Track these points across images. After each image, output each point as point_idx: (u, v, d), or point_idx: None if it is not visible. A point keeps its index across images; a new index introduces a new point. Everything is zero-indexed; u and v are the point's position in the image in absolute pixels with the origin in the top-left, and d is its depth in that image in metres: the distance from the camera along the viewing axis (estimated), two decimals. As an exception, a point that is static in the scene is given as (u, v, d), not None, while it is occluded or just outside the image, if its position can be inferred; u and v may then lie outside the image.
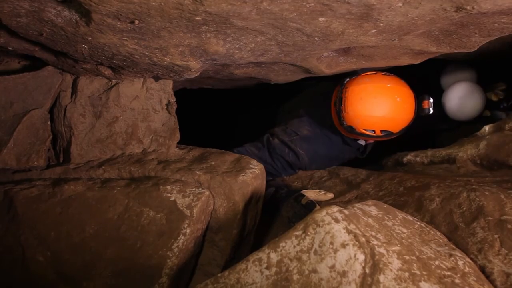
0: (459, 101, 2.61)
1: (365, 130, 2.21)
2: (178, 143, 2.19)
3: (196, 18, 1.28)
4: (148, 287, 1.49)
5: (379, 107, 2.14)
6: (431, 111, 2.38)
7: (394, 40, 1.63)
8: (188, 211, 1.63)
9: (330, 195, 2.03)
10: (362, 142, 2.52)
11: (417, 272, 1.05)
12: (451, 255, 1.16)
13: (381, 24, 1.41)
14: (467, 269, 1.12)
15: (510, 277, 1.16)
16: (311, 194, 2.04)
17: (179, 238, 1.57)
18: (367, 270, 1.05)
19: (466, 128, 2.56)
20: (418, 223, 1.36)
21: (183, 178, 1.83)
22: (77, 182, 1.84)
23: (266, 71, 2.21)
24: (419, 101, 2.34)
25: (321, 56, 1.97)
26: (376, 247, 1.09)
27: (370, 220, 1.22)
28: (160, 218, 1.63)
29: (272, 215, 2.11)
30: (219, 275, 1.20)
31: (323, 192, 2.06)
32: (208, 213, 1.73)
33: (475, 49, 1.75)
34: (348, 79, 2.26)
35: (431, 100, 2.37)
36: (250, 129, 2.84)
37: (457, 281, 1.06)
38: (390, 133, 2.23)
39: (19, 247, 1.66)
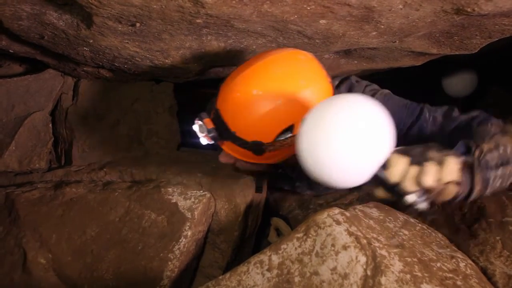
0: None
1: None
2: (179, 145, 2.19)
3: (197, 20, 1.28)
4: (149, 290, 1.50)
5: None
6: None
7: (395, 42, 1.63)
8: (190, 214, 1.63)
9: None
10: None
11: (419, 274, 1.05)
12: (452, 257, 1.15)
13: (382, 26, 1.41)
14: (468, 271, 1.12)
15: (512, 279, 1.16)
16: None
17: (180, 240, 1.57)
18: (369, 272, 1.05)
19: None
20: (420, 225, 1.36)
21: (185, 180, 1.83)
22: (78, 184, 1.85)
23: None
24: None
25: (322, 58, 1.97)
26: (377, 249, 1.09)
27: (371, 222, 1.22)
28: (161, 220, 1.63)
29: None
30: (220, 277, 1.20)
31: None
32: (210, 215, 1.73)
33: (476, 51, 1.75)
34: None
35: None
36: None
37: (459, 283, 1.06)
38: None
39: (21, 249, 1.67)
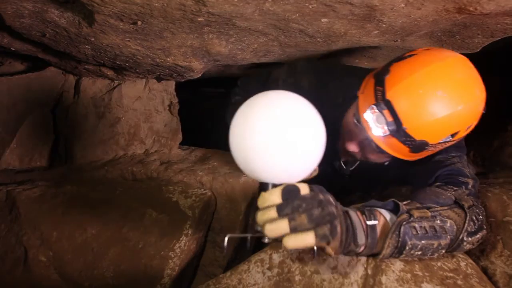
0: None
1: None
2: (180, 143, 2.19)
3: (199, 19, 1.28)
4: (150, 288, 1.50)
5: None
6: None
7: (396, 41, 1.63)
8: (190, 212, 1.63)
9: None
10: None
11: (420, 273, 1.05)
12: (453, 256, 1.15)
13: (384, 25, 1.41)
14: (469, 271, 1.12)
15: (513, 279, 1.15)
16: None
17: (181, 239, 1.57)
18: (369, 271, 1.05)
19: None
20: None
21: (185, 179, 1.83)
22: (79, 182, 1.85)
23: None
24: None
25: (323, 57, 1.97)
26: (378, 248, 1.09)
27: (372, 221, 1.21)
28: (162, 218, 1.63)
29: None
30: (221, 275, 1.20)
31: None
32: (210, 213, 1.73)
33: (478, 50, 1.74)
34: None
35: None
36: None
37: (459, 282, 1.06)
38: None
39: (21, 247, 1.67)
